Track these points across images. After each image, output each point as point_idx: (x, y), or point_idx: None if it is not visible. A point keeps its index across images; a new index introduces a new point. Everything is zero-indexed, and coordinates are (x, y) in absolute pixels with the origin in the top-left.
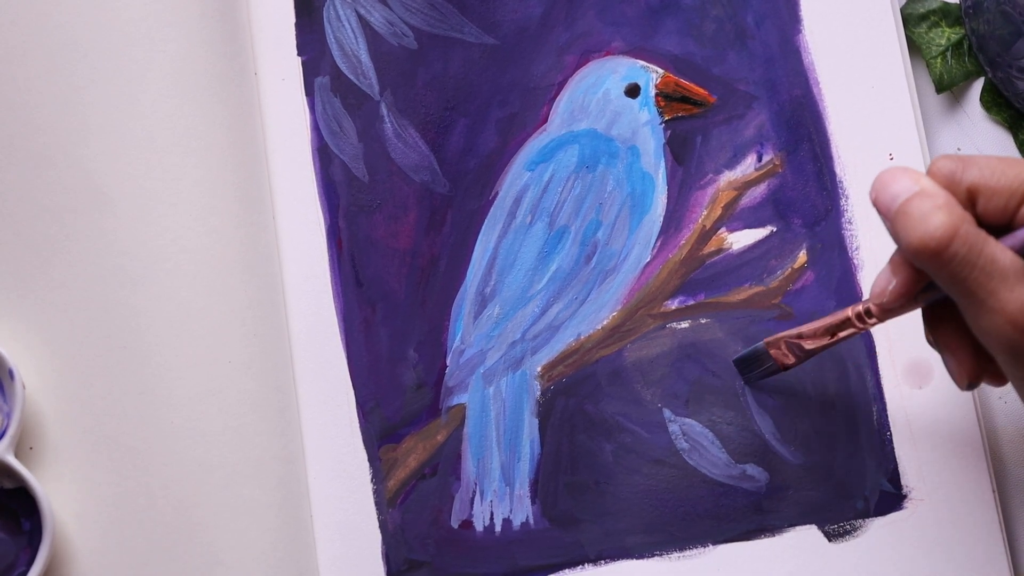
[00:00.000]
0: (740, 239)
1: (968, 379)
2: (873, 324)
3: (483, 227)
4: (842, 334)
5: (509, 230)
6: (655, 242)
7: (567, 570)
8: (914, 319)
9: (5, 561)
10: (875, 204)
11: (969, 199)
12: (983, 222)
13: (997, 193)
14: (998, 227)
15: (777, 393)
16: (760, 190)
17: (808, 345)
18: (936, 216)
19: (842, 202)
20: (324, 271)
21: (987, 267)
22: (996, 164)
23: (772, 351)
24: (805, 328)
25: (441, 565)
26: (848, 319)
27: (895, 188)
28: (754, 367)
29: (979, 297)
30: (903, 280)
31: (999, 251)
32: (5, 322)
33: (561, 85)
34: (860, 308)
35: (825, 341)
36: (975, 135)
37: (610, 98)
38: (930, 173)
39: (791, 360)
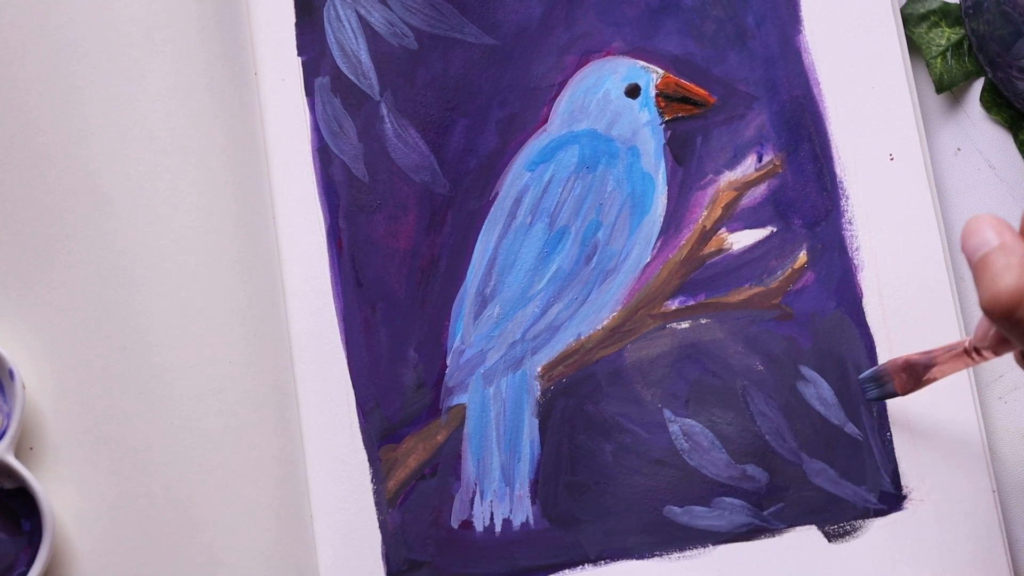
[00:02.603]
0: (740, 239)
1: None
2: (989, 359)
3: (483, 227)
4: (959, 365)
5: (509, 230)
6: (655, 242)
7: (567, 570)
8: (914, 319)
9: (5, 561)
10: (963, 251)
11: None
12: None
13: None
14: None
15: (777, 394)
16: (760, 190)
17: (928, 375)
18: (1007, 276)
19: (842, 202)
20: (324, 271)
21: None
22: None
23: (893, 372)
24: (923, 355)
25: (441, 565)
26: (967, 351)
27: (977, 239)
28: (874, 387)
29: None
30: (998, 333)
31: None
32: (5, 322)
33: (561, 85)
34: (968, 345)
35: (943, 371)
36: (975, 135)
37: (610, 98)
38: (1022, 224)
39: (911, 386)
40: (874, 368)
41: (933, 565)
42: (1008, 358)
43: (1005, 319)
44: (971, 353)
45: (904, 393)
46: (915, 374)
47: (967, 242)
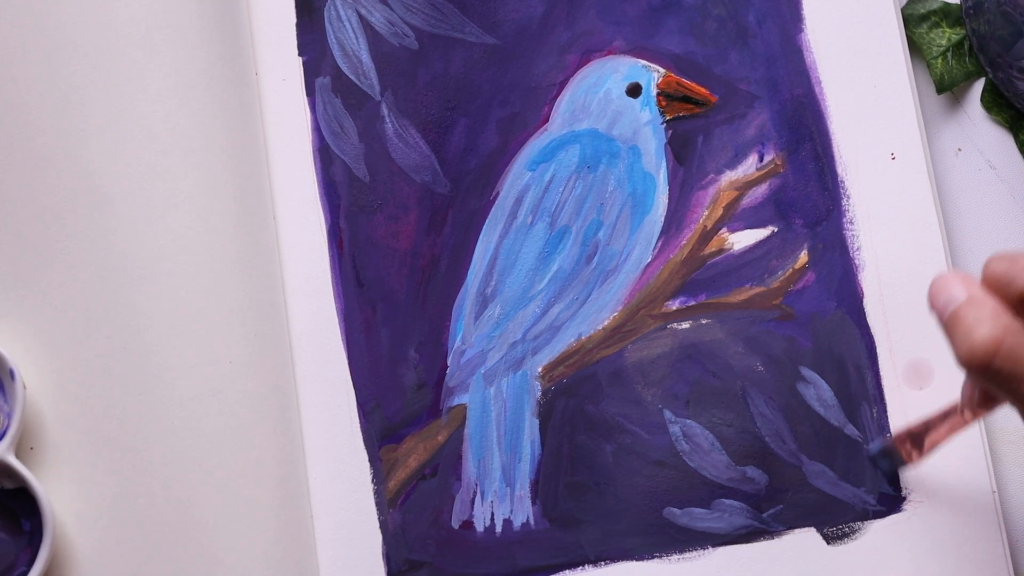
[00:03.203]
0: (741, 239)
1: None
2: (981, 417)
3: (484, 227)
4: (957, 427)
5: (510, 230)
6: (656, 242)
7: (567, 571)
8: (915, 319)
9: (5, 561)
10: (932, 310)
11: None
12: None
13: None
14: None
15: (777, 395)
16: (761, 190)
17: (928, 444)
18: (981, 329)
19: (843, 202)
20: (325, 271)
21: None
22: None
23: (899, 446)
24: (921, 424)
25: (441, 565)
26: (960, 414)
27: (944, 296)
28: (885, 461)
29: None
30: (983, 389)
31: None
32: (5, 322)
33: (562, 85)
34: (960, 407)
35: (943, 435)
36: (976, 135)
37: (611, 98)
38: (984, 276)
39: (916, 457)
40: (880, 444)
41: (933, 567)
42: None
43: (983, 372)
44: (963, 413)
45: (912, 462)
46: (918, 442)
47: (935, 300)
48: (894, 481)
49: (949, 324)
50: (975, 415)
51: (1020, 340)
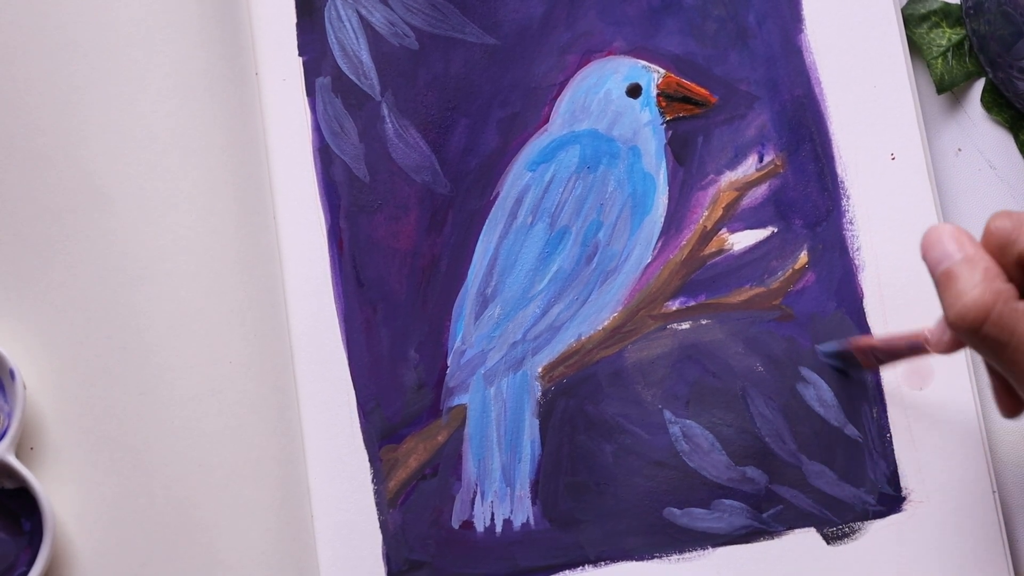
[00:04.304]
0: (741, 240)
1: (1010, 413)
2: (947, 354)
3: (484, 227)
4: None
5: (510, 230)
6: (656, 243)
7: (567, 571)
8: (915, 319)
9: (6, 562)
10: (923, 260)
11: (1021, 264)
12: None
13: None
14: None
15: (777, 396)
16: (761, 190)
17: (885, 357)
18: (973, 292)
19: (843, 203)
20: (325, 271)
21: (1020, 347)
22: None
23: (856, 352)
24: (883, 341)
25: (441, 566)
26: (925, 343)
27: (938, 251)
28: (839, 360)
29: (1014, 373)
30: (953, 337)
31: None
32: (5, 322)
33: (562, 85)
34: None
35: (903, 359)
36: (976, 135)
37: (611, 98)
38: (985, 233)
39: (872, 364)
40: (837, 344)
41: (933, 567)
42: None
43: (971, 336)
44: (929, 347)
45: (868, 367)
46: (876, 357)
47: (929, 253)
48: (844, 375)
49: (941, 281)
50: (939, 351)
51: (1011, 307)
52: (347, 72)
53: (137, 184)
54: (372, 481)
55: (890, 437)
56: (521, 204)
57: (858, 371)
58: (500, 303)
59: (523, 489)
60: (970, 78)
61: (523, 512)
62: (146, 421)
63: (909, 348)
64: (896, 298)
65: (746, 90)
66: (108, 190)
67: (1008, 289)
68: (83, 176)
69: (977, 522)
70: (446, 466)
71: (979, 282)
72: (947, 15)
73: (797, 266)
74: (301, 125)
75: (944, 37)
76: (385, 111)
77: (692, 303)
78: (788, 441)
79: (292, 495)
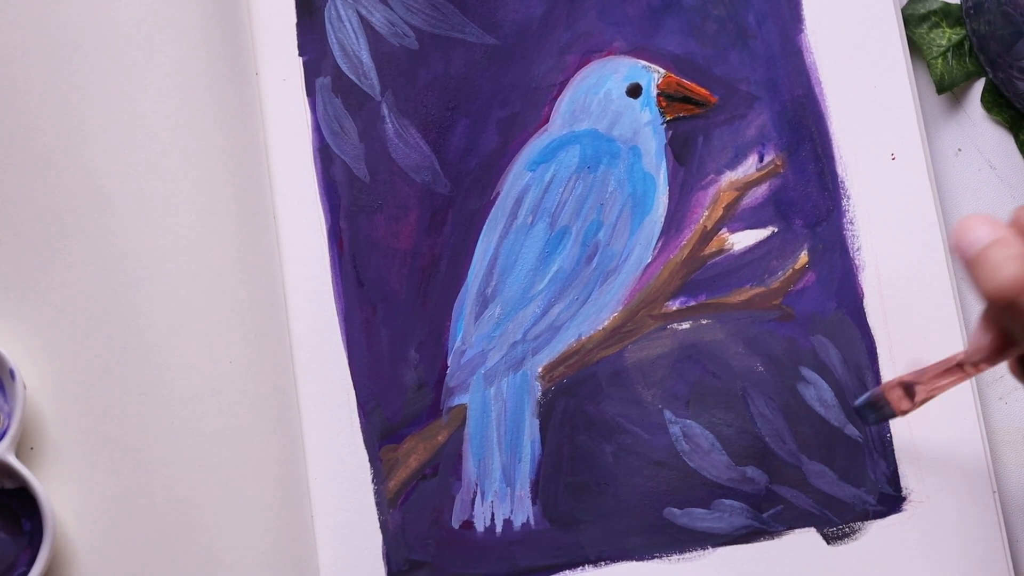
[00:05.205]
0: (741, 240)
1: None
2: (983, 370)
3: (484, 227)
4: (952, 379)
5: (510, 230)
6: (656, 243)
7: (567, 571)
8: (915, 319)
9: (6, 561)
10: (955, 249)
11: None
12: None
13: None
14: None
15: (778, 396)
16: (761, 190)
17: (921, 395)
18: (1009, 266)
19: (843, 202)
20: (325, 271)
21: None
22: None
23: (888, 395)
24: (915, 374)
25: (442, 566)
26: (960, 365)
27: (973, 235)
28: (871, 413)
29: None
30: (995, 336)
31: None
32: (5, 322)
33: (562, 85)
34: (963, 359)
35: (938, 388)
36: (976, 135)
37: (612, 98)
38: (1013, 220)
39: (907, 406)
40: (868, 396)
41: (933, 567)
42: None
43: (1009, 308)
44: (964, 366)
45: (903, 413)
46: (910, 393)
47: (962, 239)
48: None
49: (974, 263)
50: (977, 369)
51: None
52: (347, 72)
53: (137, 184)
54: (372, 481)
55: (890, 437)
56: (521, 204)
57: (891, 418)
58: (500, 303)
59: (523, 489)
60: (970, 78)
61: (523, 512)
62: (146, 421)
63: (945, 372)
64: (896, 298)
65: (746, 90)
66: (108, 190)
67: None
68: (83, 176)
69: (977, 522)
70: (446, 466)
71: (1013, 257)
72: (947, 15)
73: (797, 266)
74: (301, 125)
75: (944, 37)
76: (385, 111)
77: (692, 303)
78: (788, 441)
79: (292, 495)
